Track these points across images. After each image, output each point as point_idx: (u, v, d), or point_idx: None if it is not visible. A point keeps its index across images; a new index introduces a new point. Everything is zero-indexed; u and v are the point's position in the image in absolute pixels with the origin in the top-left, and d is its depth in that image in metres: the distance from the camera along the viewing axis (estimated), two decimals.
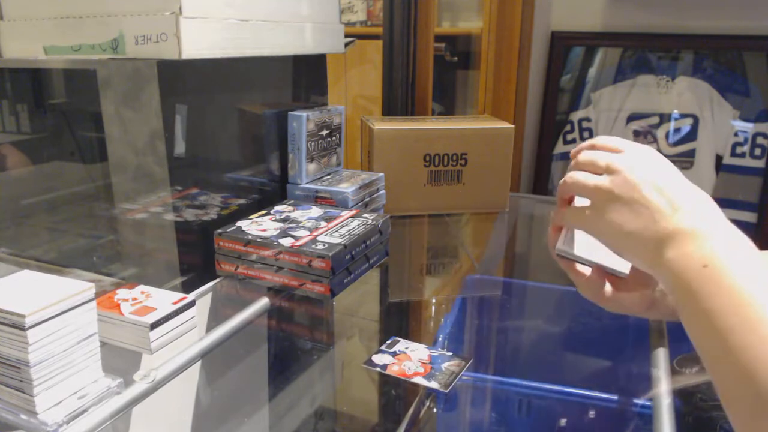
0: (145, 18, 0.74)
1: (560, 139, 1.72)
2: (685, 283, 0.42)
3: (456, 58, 2.09)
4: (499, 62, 1.68)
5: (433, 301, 1.05)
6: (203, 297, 0.82)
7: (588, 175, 0.53)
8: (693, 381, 0.77)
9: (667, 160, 0.52)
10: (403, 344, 0.77)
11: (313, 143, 1.02)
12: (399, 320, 1.04)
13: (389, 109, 1.58)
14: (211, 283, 0.84)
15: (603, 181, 0.52)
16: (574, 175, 0.54)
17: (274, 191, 1.02)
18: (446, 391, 0.68)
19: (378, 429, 0.78)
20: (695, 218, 0.45)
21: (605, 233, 0.52)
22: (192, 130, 0.82)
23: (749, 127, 1.55)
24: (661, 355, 0.74)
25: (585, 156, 0.55)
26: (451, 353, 0.75)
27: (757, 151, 1.55)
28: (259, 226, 0.85)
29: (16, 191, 0.97)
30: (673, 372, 0.73)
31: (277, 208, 0.94)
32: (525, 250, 1.35)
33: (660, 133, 1.63)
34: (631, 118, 1.65)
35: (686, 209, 0.46)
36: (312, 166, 1.03)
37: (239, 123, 0.93)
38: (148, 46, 0.75)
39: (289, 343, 0.89)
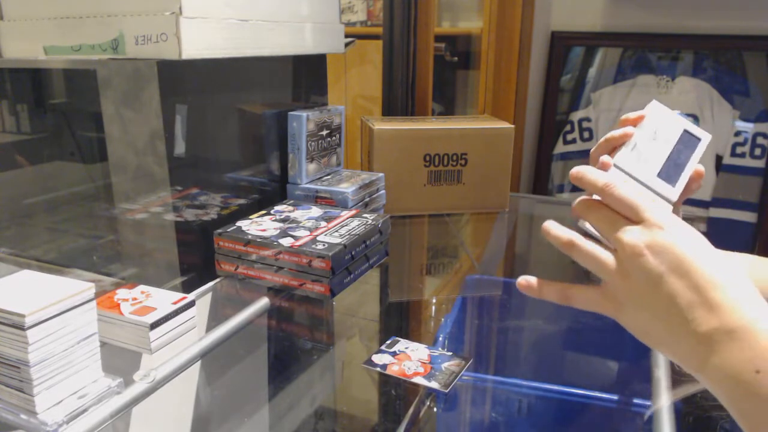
0: (145, 18, 0.74)
1: (560, 139, 1.72)
2: (739, 391, 0.40)
3: (456, 58, 2.09)
4: (499, 62, 1.68)
5: (433, 300, 1.05)
6: (203, 297, 0.82)
7: (596, 250, 0.46)
8: (694, 385, 0.77)
9: (684, 226, 0.45)
10: (403, 344, 0.77)
11: (313, 143, 1.02)
12: (399, 320, 1.04)
13: (389, 109, 1.59)
14: (211, 283, 0.84)
15: (613, 265, 0.45)
16: (580, 243, 0.47)
17: (274, 191, 1.02)
18: (446, 391, 0.68)
19: (378, 429, 0.78)
20: (735, 314, 0.41)
21: (627, 324, 0.46)
22: (192, 130, 0.82)
23: (749, 127, 1.55)
24: (661, 354, 0.74)
25: (596, 213, 0.47)
26: (451, 353, 0.75)
27: (757, 151, 1.55)
28: (259, 226, 0.85)
29: (16, 191, 0.97)
30: (673, 372, 0.73)
31: (277, 208, 0.94)
32: (525, 250, 1.35)
33: None
34: None
35: (724, 305, 0.41)
36: (312, 166, 1.03)
37: (239, 123, 0.93)
38: (148, 46, 0.75)
39: (289, 343, 0.89)
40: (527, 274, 0.53)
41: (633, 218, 0.46)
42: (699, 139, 0.54)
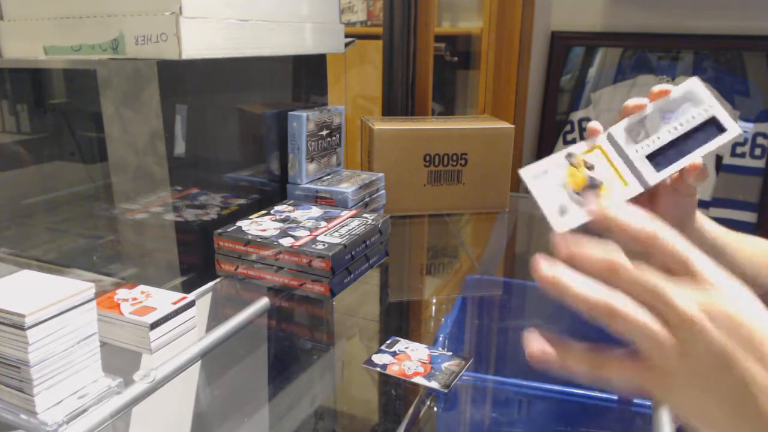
0: (145, 18, 0.74)
1: (560, 139, 1.72)
2: None
3: (456, 58, 2.09)
4: (499, 62, 1.68)
5: (433, 300, 1.05)
6: (203, 297, 0.82)
7: (647, 321, 0.36)
8: None
9: (736, 284, 0.37)
10: (403, 344, 0.77)
11: (313, 143, 1.02)
12: (399, 320, 1.04)
13: (389, 109, 1.59)
14: (211, 283, 0.84)
15: (670, 340, 0.35)
16: (625, 310, 0.36)
17: (274, 191, 1.02)
18: (446, 390, 0.68)
19: (378, 429, 0.78)
20: None
21: (676, 405, 0.38)
22: (192, 130, 0.82)
23: (749, 127, 1.55)
24: None
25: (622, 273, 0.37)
26: (451, 353, 0.75)
27: (757, 151, 1.55)
28: (259, 226, 0.85)
29: (16, 191, 0.97)
30: None
31: (277, 208, 0.94)
32: (525, 250, 1.35)
33: None
34: None
35: None
36: (312, 166, 1.03)
37: (239, 123, 0.93)
38: (148, 46, 0.75)
39: (289, 343, 0.89)
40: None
41: (677, 269, 0.37)
42: (724, 131, 0.49)
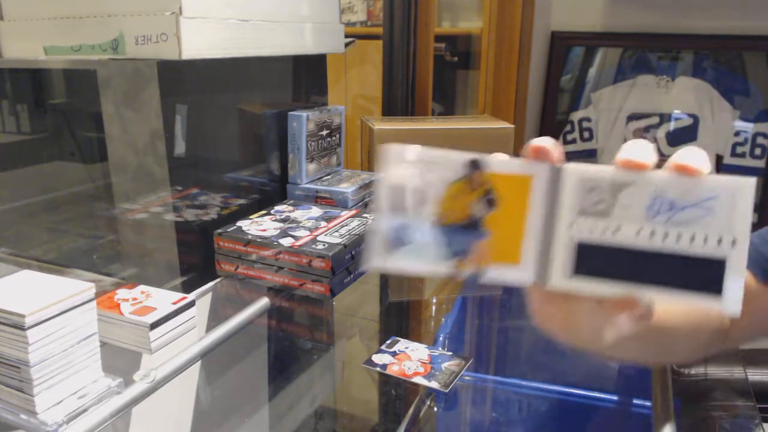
0: (145, 18, 0.74)
1: (560, 139, 1.72)
2: None
3: (456, 58, 2.09)
4: (499, 62, 1.68)
5: (434, 300, 1.05)
6: (203, 297, 0.82)
7: None
8: (693, 381, 0.77)
9: None
10: (403, 344, 0.77)
11: (313, 143, 1.02)
12: (399, 320, 1.04)
13: (389, 109, 1.59)
14: (211, 283, 0.84)
15: None
16: None
17: (274, 191, 1.02)
18: (446, 390, 0.68)
19: (378, 429, 0.78)
20: None
21: None
22: (192, 130, 0.82)
23: (749, 127, 1.55)
24: None
25: None
26: (451, 353, 0.75)
27: (757, 151, 1.55)
28: (259, 226, 0.85)
29: (16, 191, 0.97)
30: (673, 372, 0.73)
31: (277, 208, 0.94)
32: None
33: (660, 133, 1.63)
34: (631, 118, 1.65)
35: None
36: (312, 166, 1.03)
37: (239, 123, 0.93)
38: (148, 46, 0.75)
39: (289, 343, 0.89)
40: None
41: None
42: (717, 294, 0.28)
